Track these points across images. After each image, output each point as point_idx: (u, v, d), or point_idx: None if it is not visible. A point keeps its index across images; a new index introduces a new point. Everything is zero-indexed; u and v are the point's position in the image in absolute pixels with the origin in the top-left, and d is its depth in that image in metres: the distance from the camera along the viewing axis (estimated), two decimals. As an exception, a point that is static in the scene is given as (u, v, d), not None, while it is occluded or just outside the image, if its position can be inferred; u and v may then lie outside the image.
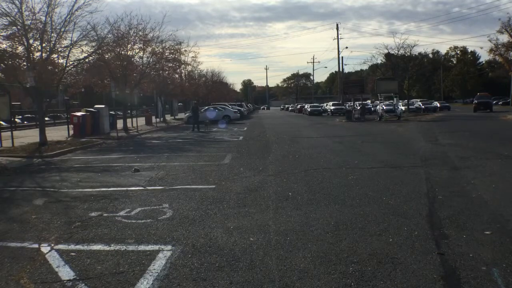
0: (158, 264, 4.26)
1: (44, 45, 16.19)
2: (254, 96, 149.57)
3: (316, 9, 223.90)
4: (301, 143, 16.27)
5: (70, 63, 17.81)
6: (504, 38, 34.07)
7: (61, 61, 17.49)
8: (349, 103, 42.86)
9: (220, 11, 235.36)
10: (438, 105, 53.19)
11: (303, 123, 33.23)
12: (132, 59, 26.79)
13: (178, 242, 4.93)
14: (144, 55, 27.95)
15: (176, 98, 48.40)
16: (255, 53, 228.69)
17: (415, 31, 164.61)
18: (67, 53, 17.17)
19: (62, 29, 16.56)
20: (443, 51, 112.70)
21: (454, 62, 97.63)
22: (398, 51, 44.87)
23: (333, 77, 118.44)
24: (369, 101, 54.58)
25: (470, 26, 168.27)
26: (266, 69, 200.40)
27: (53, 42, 16.42)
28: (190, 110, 33.47)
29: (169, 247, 4.77)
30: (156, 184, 8.57)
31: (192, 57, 40.09)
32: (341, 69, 62.62)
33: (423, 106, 49.21)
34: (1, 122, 21.30)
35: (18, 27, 15.36)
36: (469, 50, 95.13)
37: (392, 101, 36.53)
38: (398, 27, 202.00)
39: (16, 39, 15.61)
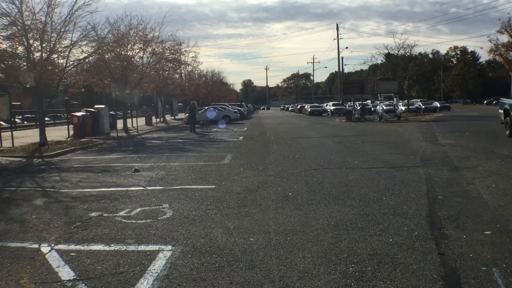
0: (158, 264, 4.26)
1: (44, 45, 16.18)
2: (254, 96, 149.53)
3: (314, 10, 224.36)
4: (301, 143, 16.27)
5: (70, 63, 17.82)
6: (504, 38, 34.09)
7: (61, 61, 17.50)
8: (349, 103, 42.86)
9: (217, 12, 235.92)
10: (438, 105, 53.27)
11: (303, 123, 33.24)
12: (132, 59, 26.78)
13: (178, 242, 4.93)
14: (144, 55, 27.96)
15: (176, 98, 48.42)
16: (254, 53, 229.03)
17: (413, 31, 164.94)
18: (67, 53, 17.17)
19: (62, 29, 16.55)
20: (442, 51, 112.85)
21: (454, 62, 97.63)
22: (398, 51, 44.91)
23: (333, 77, 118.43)
24: (369, 101, 54.61)
25: (468, 26, 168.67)
26: (266, 69, 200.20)
27: (53, 42, 16.41)
28: (187, 110, 33.11)
29: (169, 247, 4.77)
30: (156, 184, 8.57)
31: (192, 57, 40.23)
32: (341, 69, 62.62)
33: (423, 106, 49.27)
34: (1, 122, 21.29)
35: (18, 27, 15.34)
36: (469, 50, 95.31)
37: (392, 101, 36.54)
38: (396, 27, 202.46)
39: (16, 39, 15.60)
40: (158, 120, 37.31)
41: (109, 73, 24.69)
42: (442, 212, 5.87)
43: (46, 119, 28.02)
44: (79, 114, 22.24)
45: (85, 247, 4.85)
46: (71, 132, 21.11)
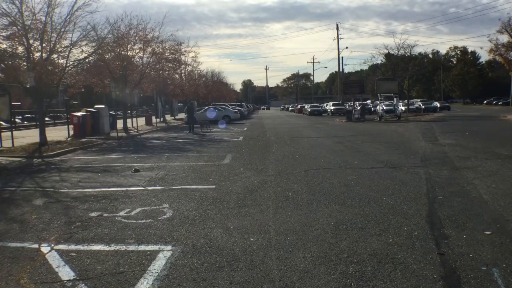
0: (158, 264, 4.26)
1: (44, 45, 16.19)
2: (254, 96, 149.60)
3: (313, 10, 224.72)
4: (301, 143, 16.27)
5: (70, 63, 17.82)
6: (504, 38, 34.15)
7: (61, 61, 17.52)
8: (349, 103, 42.85)
9: (216, 12, 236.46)
10: (438, 105, 53.25)
11: (303, 123, 33.23)
12: (132, 59, 26.78)
13: (178, 242, 4.93)
14: (144, 55, 27.96)
15: (176, 98, 48.42)
16: (254, 53, 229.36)
17: (413, 31, 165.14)
18: (67, 53, 17.17)
19: (62, 29, 16.56)
20: (442, 51, 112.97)
21: (454, 62, 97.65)
22: (398, 51, 44.93)
23: (333, 77, 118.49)
24: (369, 101, 54.62)
25: (468, 26, 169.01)
26: (266, 69, 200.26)
27: (53, 42, 16.42)
28: (185, 110, 32.78)
29: (169, 247, 4.77)
30: (156, 184, 8.57)
31: (192, 57, 40.25)
32: (341, 69, 62.62)
33: (423, 106, 49.25)
34: (1, 122, 21.30)
35: (18, 27, 15.35)
36: (469, 50, 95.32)
37: (392, 101, 36.53)
38: (396, 28, 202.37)
39: (16, 39, 15.61)
40: (158, 120, 37.31)
41: (109, 73, 24.70)
42: (442, 212, 5.87)
43: (46, 119, 28.06)
44: (79, 114, 22.24)
45: (85, 247, 4.85)
46: (71, 132, 21.11)
